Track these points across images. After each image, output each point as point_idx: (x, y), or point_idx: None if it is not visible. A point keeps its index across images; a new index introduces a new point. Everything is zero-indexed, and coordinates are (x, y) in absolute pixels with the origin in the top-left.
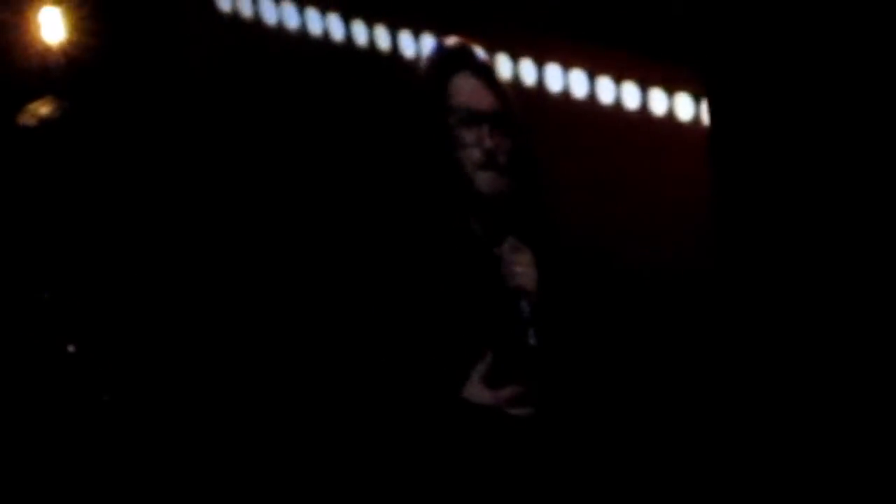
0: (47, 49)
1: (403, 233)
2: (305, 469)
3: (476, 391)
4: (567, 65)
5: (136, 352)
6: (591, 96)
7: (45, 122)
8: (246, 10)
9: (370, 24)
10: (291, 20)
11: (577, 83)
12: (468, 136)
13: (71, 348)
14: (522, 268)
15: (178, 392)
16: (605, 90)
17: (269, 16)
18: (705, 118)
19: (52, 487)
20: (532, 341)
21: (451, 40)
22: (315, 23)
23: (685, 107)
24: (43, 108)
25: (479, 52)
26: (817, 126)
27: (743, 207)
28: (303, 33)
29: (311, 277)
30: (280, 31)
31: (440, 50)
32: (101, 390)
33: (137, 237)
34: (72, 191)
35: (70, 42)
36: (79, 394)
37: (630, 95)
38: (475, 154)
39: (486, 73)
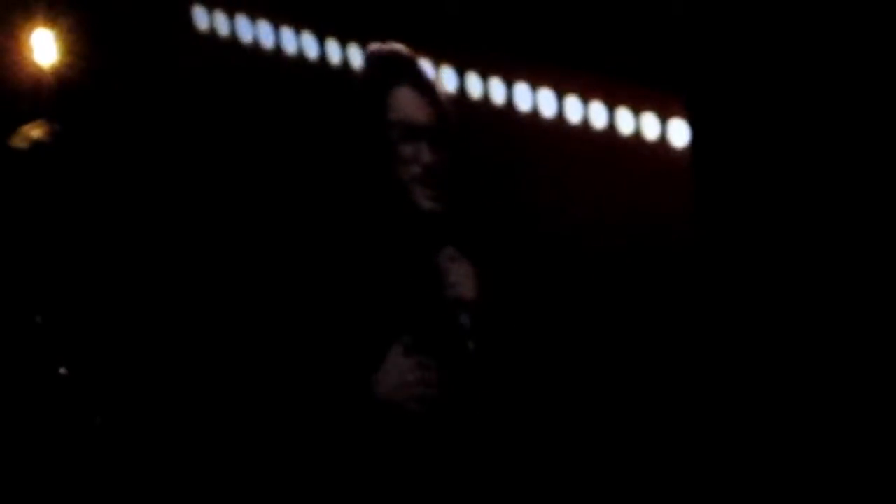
0: (39, 72)
1: (342, 240)
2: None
3: (394, 366)
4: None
5: (129, 374)
6: (560, 116)
7: (36, 145)
8: (223, 29)
9: (343, 42)
10: (267, 38)
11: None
12: (407, 150)
13: (63, 371)
14: (460, 278)
15: (171, 414)
16: (573, 110)
17: (245, 34)
18: (672, 138)
19: None
20: (471, 352)
21: (385, 48)
22: (290, 41)
23: (652, 127)
24: (35, 131)
25: (413, 59)
26: (796, 147)
27: (725, 227)
28: (277, 51)
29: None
30: (256, 49)
31: (374, 59)
32: (93, 413)
33: (129, 259)
34: (63, 213)
35: (62, 65)
36: (71, 417)
37: (598, 116)
38: (414, 169)
39: (424, 84)
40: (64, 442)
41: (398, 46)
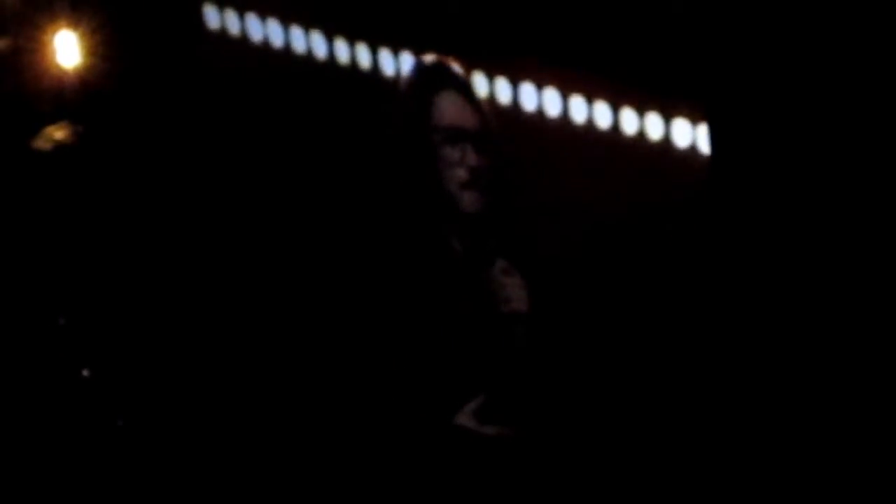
0: (63, 73)
1: (390, 255)
2: (306, 490)
3: (465, 423)
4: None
5: (151, 377)
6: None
7: (60, 147)
8: (233, 28)
9: (351, 41)
10: (276, 38)
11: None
12: (453, 154)
13: (86, 373)
14: (515, 291)
15: (192, 417)
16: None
17: (255, 33)
18: (676, 139)
19: None
20: (527, 366)
21: (431, 58)
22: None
23: (656, 128)
24: (58, 133)
25: (458, 69)
26: (820, 157)
27: (743, 231)
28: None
29: (305, 300)
30: (266, 48)
31: (421, 67)
32: (115, 415)
33: (152, 261)
34: (86, 215)
35: (85, 66)
36: (93, 418)
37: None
38: (460, 173)
39: (467, 90)
40: (86, 443)
41: (443, 57)
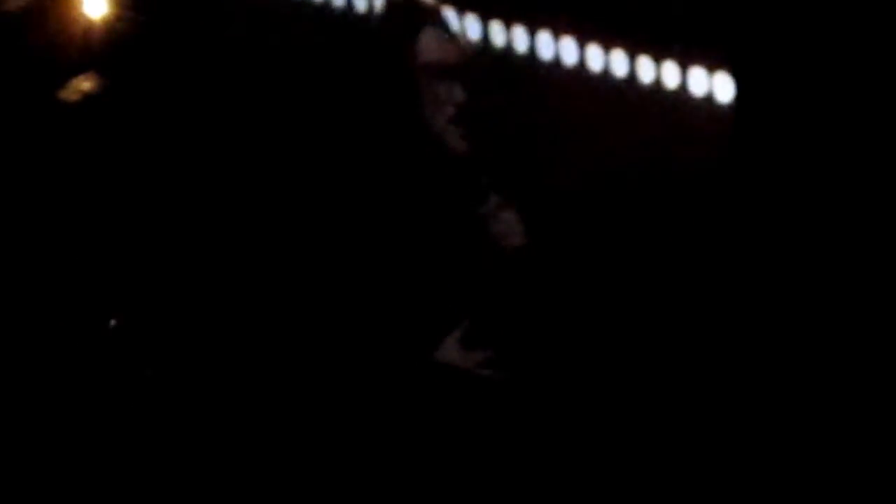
0: (90, 24)
1: (385, 201)
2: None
3: (450, 353)
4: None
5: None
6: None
7: (87, 98)
8: None
9: None
10: None
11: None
12: (440, 90)
13: (113, 322)
14: (510, 225)
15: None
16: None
17: None
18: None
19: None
20: (519, 298)
21: None
22: None
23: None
24: (85, 84)
25: (430, 2)
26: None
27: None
28: None
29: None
30: None
31: (393, 5)
32: (141, 370)
33: (177, 214)
34: (114, 166)
35: (113, 17)
36: (120, 376)
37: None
38: (448, 111)
39: (443, 24)
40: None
41: None
